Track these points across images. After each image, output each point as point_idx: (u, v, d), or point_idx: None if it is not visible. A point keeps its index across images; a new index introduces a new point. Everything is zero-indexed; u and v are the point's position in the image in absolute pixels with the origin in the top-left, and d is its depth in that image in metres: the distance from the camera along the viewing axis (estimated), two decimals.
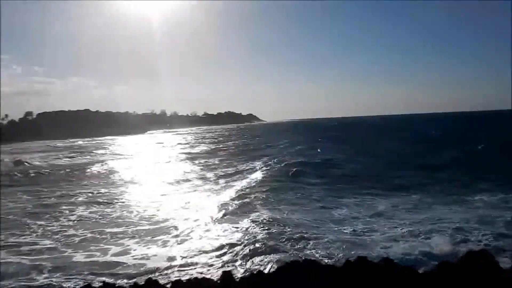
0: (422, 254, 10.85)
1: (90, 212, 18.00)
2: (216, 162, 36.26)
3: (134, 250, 12.33)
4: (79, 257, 11.82)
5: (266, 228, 13.43)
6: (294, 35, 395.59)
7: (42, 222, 16.19)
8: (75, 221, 16.38)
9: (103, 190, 23.80)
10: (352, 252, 10.69)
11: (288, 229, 13.20)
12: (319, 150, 39.91)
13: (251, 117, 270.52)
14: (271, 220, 14.39)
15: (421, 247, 11.30)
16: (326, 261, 9.95)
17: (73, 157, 47.82)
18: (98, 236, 14.00)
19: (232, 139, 71.18)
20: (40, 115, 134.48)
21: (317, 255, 10.77)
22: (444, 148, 36.33)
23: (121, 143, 73.40)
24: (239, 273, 9.74)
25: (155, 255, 11.69)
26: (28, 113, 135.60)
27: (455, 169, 25.36)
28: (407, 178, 23.13)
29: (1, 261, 11.44)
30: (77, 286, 9.27)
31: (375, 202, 17.69)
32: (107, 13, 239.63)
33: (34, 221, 16.33)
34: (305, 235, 12.43)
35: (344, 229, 13.56)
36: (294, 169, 26.63)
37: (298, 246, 11.57)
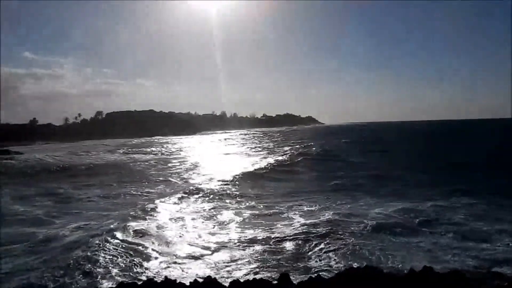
0: None
1: None
2: None
3: None
4: None
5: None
6: (354, 35, 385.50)
7: None
8: None
9: None
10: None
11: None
12: None
13: (310, 120, 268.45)
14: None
15: None
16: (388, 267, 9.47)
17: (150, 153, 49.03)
18: None
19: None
20: (109, 114, 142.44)
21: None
22: None
23: (187, 142, 75.49)
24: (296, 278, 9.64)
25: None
26: (99, 113, 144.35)
27: None
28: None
29: None
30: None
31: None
32: (169, 15, 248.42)
33: None
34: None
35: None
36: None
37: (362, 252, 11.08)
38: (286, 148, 49.70)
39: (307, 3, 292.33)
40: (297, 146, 50.55)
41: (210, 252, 11.38)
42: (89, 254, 10.88)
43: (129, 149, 58.11)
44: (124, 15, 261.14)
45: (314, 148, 44.54)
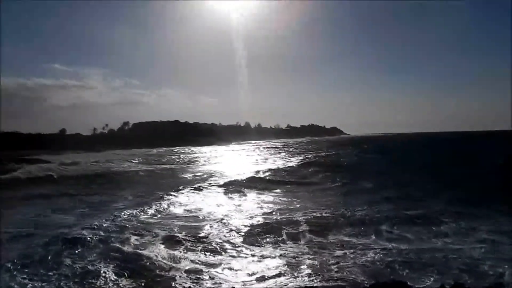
0: None
1: None
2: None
3: None
4: None
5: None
6: (382, 41, 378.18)
7: None
8: None
9: None
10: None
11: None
12: None
13: (335, 131, 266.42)
14: None
15: None
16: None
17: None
18: None
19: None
20: (135, 125, 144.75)
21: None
22: None
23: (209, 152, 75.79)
24: None
25: None
26: (125, 123, 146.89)
27: None
28: None
29: None
30: None
31: None
32: (193, 26, 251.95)
33: None
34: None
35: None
36: None
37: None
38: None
39: (330, 10, 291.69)
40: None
41: None
42: None
43: (154, 159, 58.65)
44: (150, 28, 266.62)
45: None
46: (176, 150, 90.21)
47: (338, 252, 11.36)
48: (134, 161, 53.96)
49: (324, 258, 10.83)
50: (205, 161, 54.93)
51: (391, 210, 16.70)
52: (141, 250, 11.61)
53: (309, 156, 54.38)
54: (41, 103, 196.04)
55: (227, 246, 12.19)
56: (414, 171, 32.50)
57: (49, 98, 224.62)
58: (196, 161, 55.19)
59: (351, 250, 11.47)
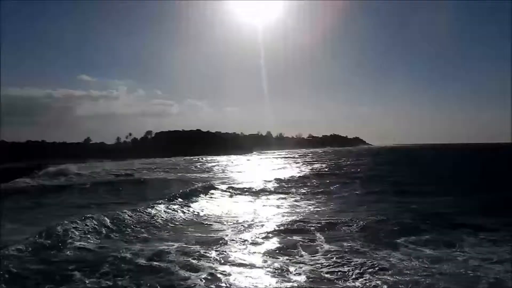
0: None
1: None
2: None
3: None
4: None
5: None
6: (412, 53, 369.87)
7: None
8: None
9: None
10: None
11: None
12: None
13: (357, 141, 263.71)
14: None
15: None
16: None
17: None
18: None
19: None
20: (158, 134, 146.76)
21: None
22: None
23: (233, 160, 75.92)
24: None
25: None
26: (148, 132, 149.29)
27: None
28: None
29: None
30: None
31: None
32: (216, 36, 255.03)
33: None
34: None
35: None
36: None
37: None
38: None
39: (355, 20, 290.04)
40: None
41: None
42: None
43: (175, 167, 59.09)
44: (175, 39, 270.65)
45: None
46: (196, 159, 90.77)
47: (355, 264, 10.86)
48: (154, 168, 54.53)
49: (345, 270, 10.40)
50: (225, 169, 55.08)
51: (408, 222, 16.02)
52: None
53: (325, 164, 53.67)
54: (69, 113, 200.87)
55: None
56: (437, 182, 31.57)
57: (76, 108, 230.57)
58: (218, 169, 55.35)
59: (369, 262, 10.96)
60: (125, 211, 17.26)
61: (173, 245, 12.66)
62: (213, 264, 10.90)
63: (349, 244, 12.86)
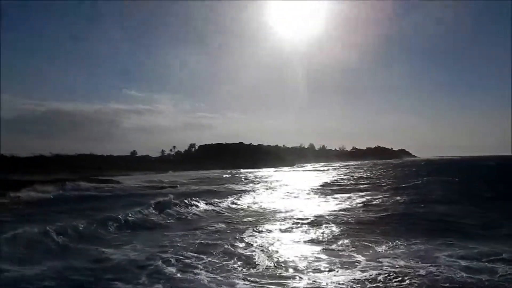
0: None
1: None
2: None
3: None
4: None
5: None
6: (458, 63, 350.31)
7: None
8: None
9: None
10: None
11: None
12: None
13: (402, 153, 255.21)
14: None
15: None
16: None
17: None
18: None
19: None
20: (201, 147, 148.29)
21: None
22: None
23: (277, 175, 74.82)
24: None
25: None
26: (192, 145, 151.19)
27: None
28: None
29: None
30: None
31: None
32: (255, 51, 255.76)
33: None
34: None
35: None
36: None
37: None
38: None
39: (394, 32, 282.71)
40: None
41: None
42: None
43: (218, 180, 58.79)
44: (217, 54, 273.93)
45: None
46: (239, 171, 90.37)
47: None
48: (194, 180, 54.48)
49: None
50: (267, 179, 54.27)
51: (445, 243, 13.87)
52: None
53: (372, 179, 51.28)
54: (116, 126, 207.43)
55: None
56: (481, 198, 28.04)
57: (123, 122, 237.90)
58: (261, 180, 54.60)
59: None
60: None
61: None
62: None
63: None
